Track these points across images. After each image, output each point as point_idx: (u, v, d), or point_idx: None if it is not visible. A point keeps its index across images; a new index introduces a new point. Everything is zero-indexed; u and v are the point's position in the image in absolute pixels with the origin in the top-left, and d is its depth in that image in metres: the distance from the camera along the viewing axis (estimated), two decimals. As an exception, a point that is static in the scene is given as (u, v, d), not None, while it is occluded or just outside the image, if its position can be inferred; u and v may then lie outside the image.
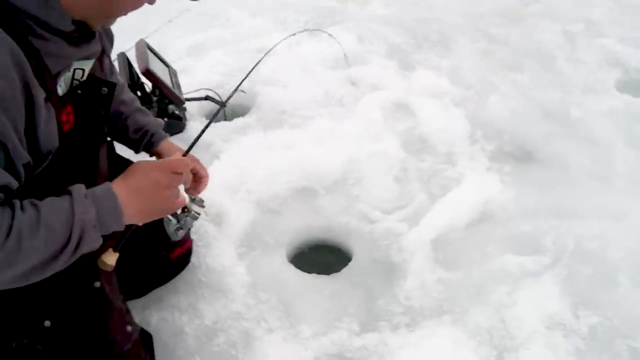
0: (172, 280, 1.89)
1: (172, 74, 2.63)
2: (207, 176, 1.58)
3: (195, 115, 2.73)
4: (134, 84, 2.46)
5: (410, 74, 2.93)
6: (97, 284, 1.41)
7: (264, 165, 2.29)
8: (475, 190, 2.13)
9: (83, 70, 1.22)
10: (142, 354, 1.55)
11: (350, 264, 1.96)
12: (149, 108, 2.49)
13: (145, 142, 1.58)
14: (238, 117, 2.73)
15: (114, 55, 2.45)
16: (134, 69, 2.50)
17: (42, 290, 1.29)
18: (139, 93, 2.49)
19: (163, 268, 1.85)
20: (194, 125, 2.64)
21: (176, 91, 2.49)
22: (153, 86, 2.46)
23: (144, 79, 2.45)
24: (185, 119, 2.64)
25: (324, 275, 1.92)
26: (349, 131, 2.48)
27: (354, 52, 3.14)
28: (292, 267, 1.95)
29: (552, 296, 1.74)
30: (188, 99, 2.64)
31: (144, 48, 2.46)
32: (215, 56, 3.14)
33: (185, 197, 1.38)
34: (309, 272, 1.94)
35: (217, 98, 2.69)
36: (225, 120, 2.73)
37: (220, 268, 1.92)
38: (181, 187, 1.21)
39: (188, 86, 2.74)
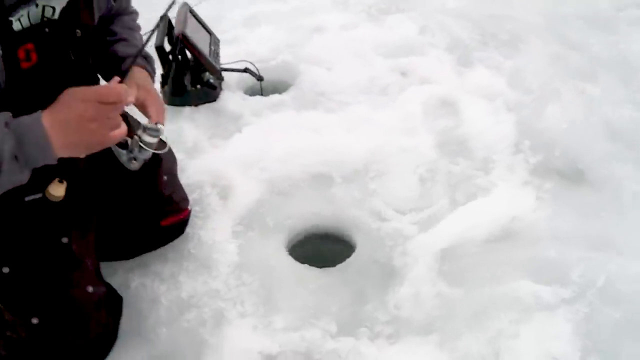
0: (165, 247, 1.84)
1: (214, 42, 2.58)
2: (156, 101, 1.40)
3: (233, 87, 2.66)
4: (174, 47, 2.42)
5: (466, 70, 2.69)
6: (65, 240, 1.37)
7: (285, 145, 2.18)
8: (504, 203, 1.90)
9: (53, 8, 1.16)
10: (103, 316, 1.51)
11: (347, 260, 1.81)
12: (184, 73, 2.45)
13: (113, 68, 1.43)
14: (276, 93, 2.64)
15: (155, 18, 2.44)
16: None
17: (3, 236, 1.27)
18: (179, 57, 2.46)
19: (154, 235, 1.80)
20: (229, 96, 2.57)
21: (212, 59, 2.42)
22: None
23: (185, 43, 2.41)
24: (220, 89, 2.58)
25: (316, 268, 1.78)
26: (383, 121, 2.31)
27: (413, 42, 2.95)
28: (284, 254, 1.83)
29: (562, 335, 1.51)
30: (226, 69, 2.57)
31: (185, 12, 2.42)
32: (268, 30, 3.06)
33: (141, 123, 1.33)
34: (301, 262, 1.81)
35: (255, 72, 2.60)
36: (261, 95, 2.64)
37: (211, 243, 1.84)
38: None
39: (234, 56, 2.68)
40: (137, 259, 1.80)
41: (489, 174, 2.07)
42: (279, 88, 2.71)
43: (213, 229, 1.89)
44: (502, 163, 2.11)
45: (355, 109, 2.43)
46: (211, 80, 2.51)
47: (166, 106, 2.55)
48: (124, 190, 1.66)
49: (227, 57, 2.63)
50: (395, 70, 2.72)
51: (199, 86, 2.49)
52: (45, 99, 1.05)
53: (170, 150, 1.96)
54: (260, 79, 2.59)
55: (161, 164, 1.73)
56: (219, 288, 1.71)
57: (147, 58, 1.52)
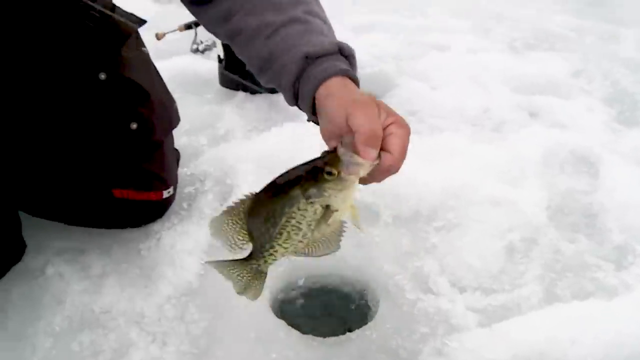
0: (115, 237, 1.34)
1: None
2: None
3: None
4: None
5: (626, 129, 1.91)
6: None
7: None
8: (638, 321, 1.10)
9: None
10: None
11: (350, 334, 1.13)
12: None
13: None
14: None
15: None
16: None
17: None
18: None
19: (102, 204, 1.30)
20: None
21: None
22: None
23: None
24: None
25: (296, 331, 1.13)
26: (480, 158, 1.62)
27: (558, 83, 2.23)
28: (264, 296, 1.20)
29: None
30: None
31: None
32: (379, 38, 2.55)
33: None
34: (287, 317, 1.18)
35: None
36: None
37: (169, 249, 1.30)
38: None
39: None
40: (76, 240, 1.31)
41: (623, 269, 1.28)
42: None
43: (185, 233, 1.33)
44: (651, 260, 1.31)
45: (448, 137, 1.77)
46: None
47: (218, 87, 2.14)
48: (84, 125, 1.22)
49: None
50: (522, 107, 2.01)
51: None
52: None
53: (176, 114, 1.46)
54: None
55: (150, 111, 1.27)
56: (147, 313, 1.14)
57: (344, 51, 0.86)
